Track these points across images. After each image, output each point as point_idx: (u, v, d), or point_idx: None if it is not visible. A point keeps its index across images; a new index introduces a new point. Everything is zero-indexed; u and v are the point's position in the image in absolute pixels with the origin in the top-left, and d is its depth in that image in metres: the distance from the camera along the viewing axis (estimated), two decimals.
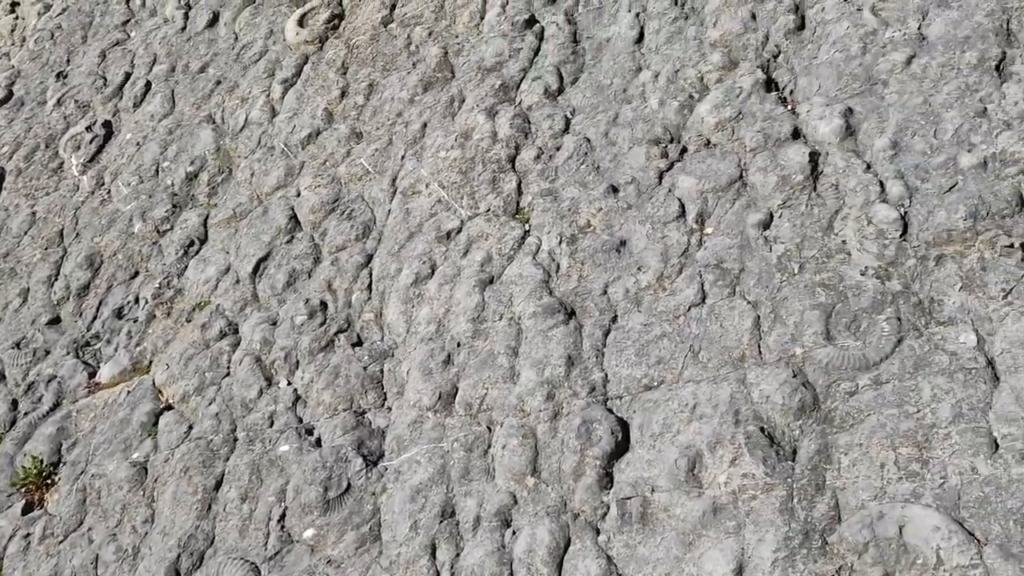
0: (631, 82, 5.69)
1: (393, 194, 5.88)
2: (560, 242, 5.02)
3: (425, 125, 6.17)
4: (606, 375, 4.39)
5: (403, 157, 6.06)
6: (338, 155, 6.38)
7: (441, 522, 4.21)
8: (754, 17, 5.56)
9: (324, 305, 5.53)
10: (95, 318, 6.47)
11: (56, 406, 5.99)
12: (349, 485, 4.58)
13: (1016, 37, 4.69)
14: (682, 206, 4.85)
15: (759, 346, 4.11)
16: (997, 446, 3.42)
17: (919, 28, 4.97)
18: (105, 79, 8.43)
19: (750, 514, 3.61)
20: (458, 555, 4.09)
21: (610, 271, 4.78)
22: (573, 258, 4.92)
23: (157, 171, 7.15)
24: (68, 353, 6.27)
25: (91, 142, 7.80)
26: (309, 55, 7.28)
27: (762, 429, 3.82)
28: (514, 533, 4.04)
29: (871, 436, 3.60)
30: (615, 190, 5.13)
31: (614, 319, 4.59)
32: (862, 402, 3.73)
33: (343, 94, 6.78)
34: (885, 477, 3.48)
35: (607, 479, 4.02)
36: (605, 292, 4.71)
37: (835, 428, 3.72)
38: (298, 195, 6.29)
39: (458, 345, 4.87)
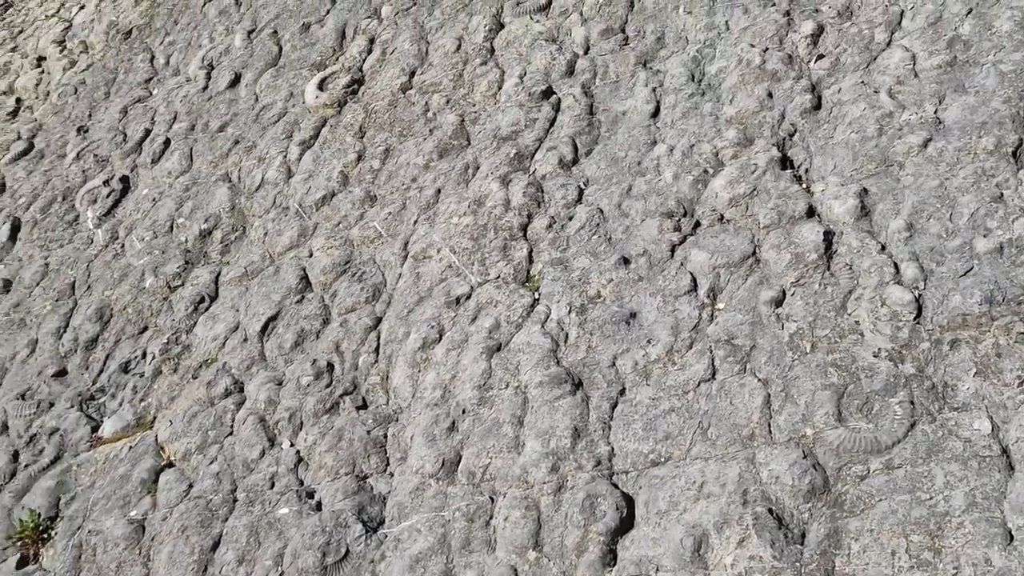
0: (646, 155, 5.71)
1: (404, 258, 5.88)
2: (569, 312, 4.99)
3: (439, 191, 6.19)
4: (612, 449, 4.33)
5: (416, 222, 6.07)
6: (352, 218, 6.39)
7: None
8: (770, 96, 5.60)
9: (331, 367, 5.50)
10: (101, 372, 6.43)
11: (57, 459, 5.92)
12: (348, 551, 4.50)
13: None
14: (694, 280, 4.83)
15: (769, 425, 4.05)
16: (1012, 537, 3.34)
17: (935, 112, 4.98)
18: (125, 135, 8.51)
19: None
20: None
21: (619, 343, 4.74)
22: (582, 328, 4.89)
23: (172, 227, 7.18)
24: (72, 406, 6.22)
25: (108, 196, 7.85)
26: (327, 118, 7.35)
27: (771, 510, 3.74)
28: None
29: (882, 522, 3.53)
30: (627, 261, 5.11)
31: (622, 392, 4.54)
32: (873, 487, 3.65)
33: (359, 158, 6.82)
34: (896, 565, 3.40)
35: (610, 556, 3.94)
36: (613, 364, 4.66)
37: (845, 512, 3.64)
38: (310, 256, 6.29)
39: (463, 412, 4.82)
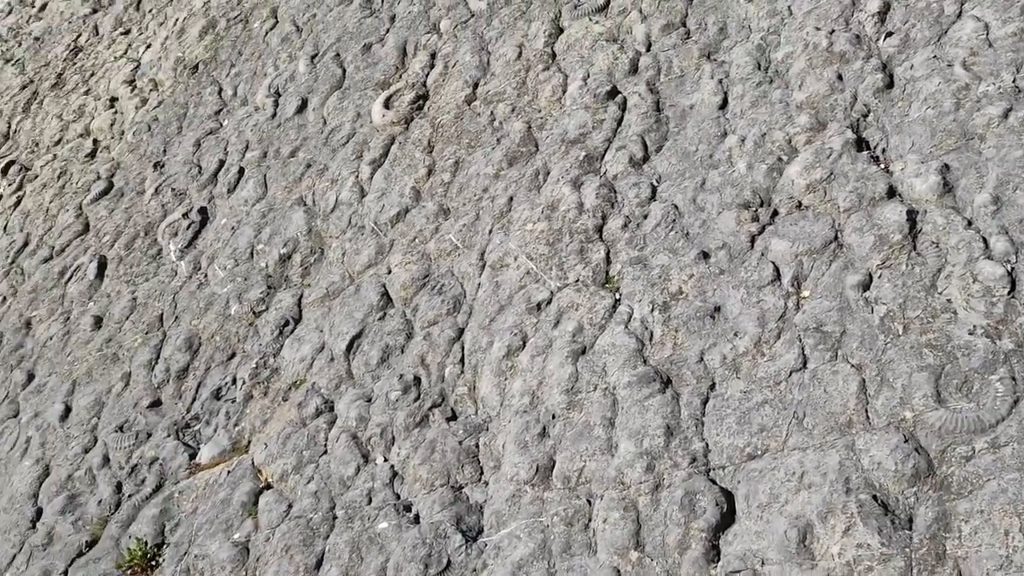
0: (717, 147, 5.67)
1: (482, 268, 5.92)
2: (652, 310, 4.98)
3: (511, 199, 6.22)
4: (707, 444, 4.30)
5: (491, 231, 6.10)
6: (427, 232, 6.46)
7: None
8: (840, 78, 5.52)
9: (418, 380, 5.55)
10: (194, 400, 6.59)
11: (159, 488, 6.08)
12: (449, 562, 4.54)
13: None
14: (776, 270, 4.78)
15: (866, 411, 3.99)
16: None
17: (1014, 81, 4.87)
18: (200, 167, 8.71)
19: None
20: None
21: (705, 338, 4.71)
22: (666, 326, 4.87)
23: (252, 254, 7.33)
24: (169, 435, 6.38)
25: (188, 228, 8.03)
26: (395, 135, 7.43)
27: (875, 497, 3.69)
28: None
29: (992, 502, 3.45)
30: (706, 256, 5.08)
31: (712, 387, 4.51)
32: (980, 467, 3.58)
33: (430, 172, 6.89)
34: (1011, 545, 3.32)
35: (714, 552, 3.92)
36: (701, 359, 4.64)
37: (953, 495, 3.57)
38: (389, 272, 6.37)
39: (553, 417, 4.83)
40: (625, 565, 4.07)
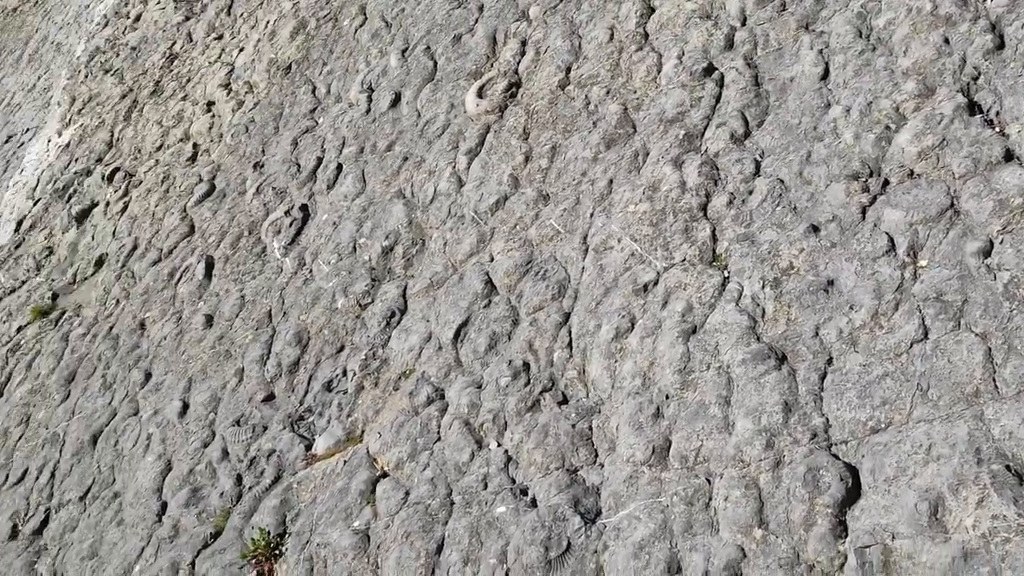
0: (821, 119, 5.57)
1: (585, 252, 5.92)
2: (763, 286, 4.92)
3: (611, 181, 6.21)
4: (827, 420, 4.25)
5: (592, 215, 6.10)
6: (527, 218, 6.48)
7: None
8: (947, 41, 5.37)
9: (527, 366, 5.59)
10: (306, 392, 6.74)
11: (277, 479, 6.24)
12: (569, 544, 4.56)
13: None
14: (891, 240, 4.68)
15: (994, 380, 3.89)
16: None
17: None
18: (299, 165, 8.88)
19: (1005, 558, 3.40)
20: None
21: (819, 312, 4.64)
22: (779, 301, 4.81)
23: (354, 248, 7.45)
24: (284, 428, 6.54)
25: (290, 225, 8.20)
26: (490, 124, 7.47)
27: (1008, 467, 3.60)
28: None
29: None
30: (816, 229, 5.00)
31: (829, 361, 4.45)
32: None
33: (527, 159, 6.91)
34: None
35: (840, 528, 3.87)
36: (816, 334, 4.57)
37: None
38: (491, 260, 6.41)
39: (666, 397, 4.82)
40: (749, 543, 4.04)
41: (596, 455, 4.96)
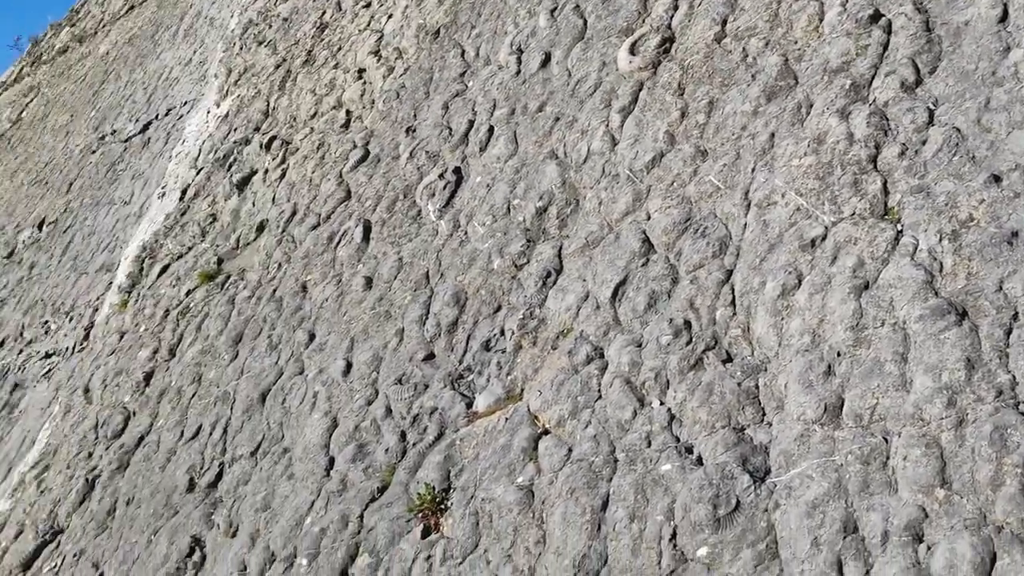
0: (1000, 63, 5.29)
1: (747, 207, 5.81)
2: (940, 239, 4.73)
3: (773, 135, 6.05)
4: (1014, 377, 4.07)
5: (753, 169, 5.97)
6: (684, 175, 6.39)
7: (844, 538, 4.05)
8: None
9: (688, 324, 5.54)
10: (465, 352, 6.84)
11: (440, 436, 6.38)
12: (738, 502, 4.52)
13: None
14: None
15: None
16: None
17: None
18: (450, 128, 8.98)
19: None
20: (868, 572, 3.91)
21: (1003, 265, 4.44)
22: (958, 255, 4.62)
23: (508, 209, 7.50)
24: (445, 386, 6.67)
25: (444, 188, 8.31)
26: (643, 81, 7.38)
27: None
28: (928, 548, 3.81)
29: None
30: (997, 179, 4.77)
31: (1015, 316, 4.25)
32: None
33: (683, 115, 6.80)
34: None
35: None
36: (1000, 288, 4.37)
37: None
38: (648, 218, 6.36)
39: (838, 355, 4.69)
40: (931, 503, 3.92)
41: (763, 413, 4.89)
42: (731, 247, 5.74)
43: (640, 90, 7.35)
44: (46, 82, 27.16)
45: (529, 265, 6.93)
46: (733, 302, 5.47)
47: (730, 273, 5.62)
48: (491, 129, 8.47)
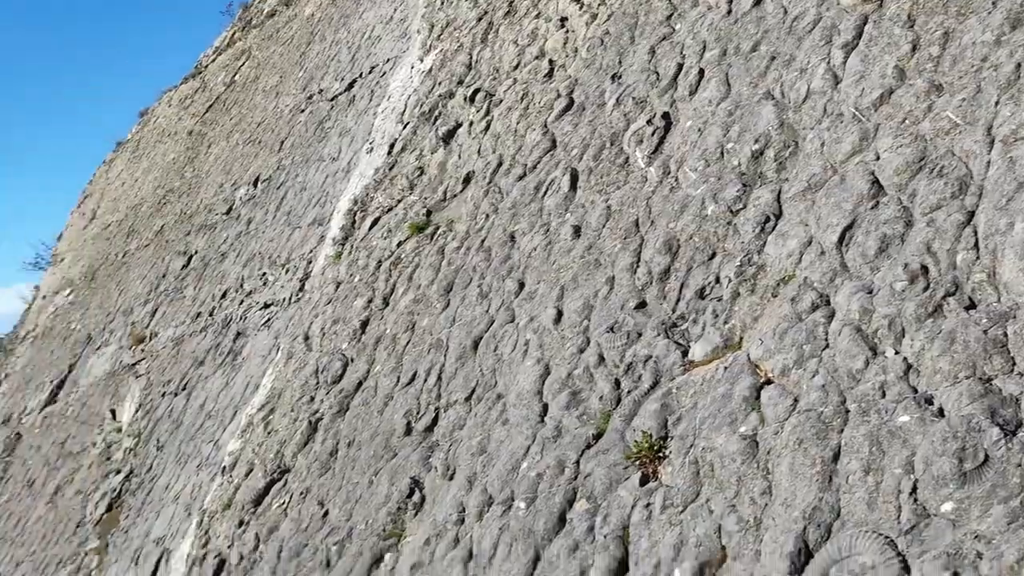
0: None
1: (990, 144, 5.40)
2: None
3: (1019, 66, 5.59)
4: None
5: (997, 103, 5.54)
6: (917, 112, 6.01)
7: None
8: None
9: (925, 269, 5.22)
10: (679, 300, 6.72)
11: (655, 384, 6.29)
12: (987, 456, 4.24)
13: None
14: None
15: None
16: None
17: None
18: (658, 73, 8.79)
19: None
20: None
21: None
22: None
23: (722, 153, 7.28)
24: (658, 334, 6.57)
25: (653, 134, 8.15)
26: (868, 14, 6.97)
27: None
28: None
29: None
30: None
31: None
32: None
33: (914, 48, 6.39)
34: None
35: None
36: None
37: None
38: (877, 159, 6.02)
39: None
40: None
41: (1013, 363, 4.55)
42: (972, 187, 5.36)
43: (865, 24, 6.95)
44: (256, 45, 28.43)
45: (746, 210, 6.71)
46: (976, 245, 5.11)
47: (971, 215, 5.25)
48: (701, 72, 8.23)
